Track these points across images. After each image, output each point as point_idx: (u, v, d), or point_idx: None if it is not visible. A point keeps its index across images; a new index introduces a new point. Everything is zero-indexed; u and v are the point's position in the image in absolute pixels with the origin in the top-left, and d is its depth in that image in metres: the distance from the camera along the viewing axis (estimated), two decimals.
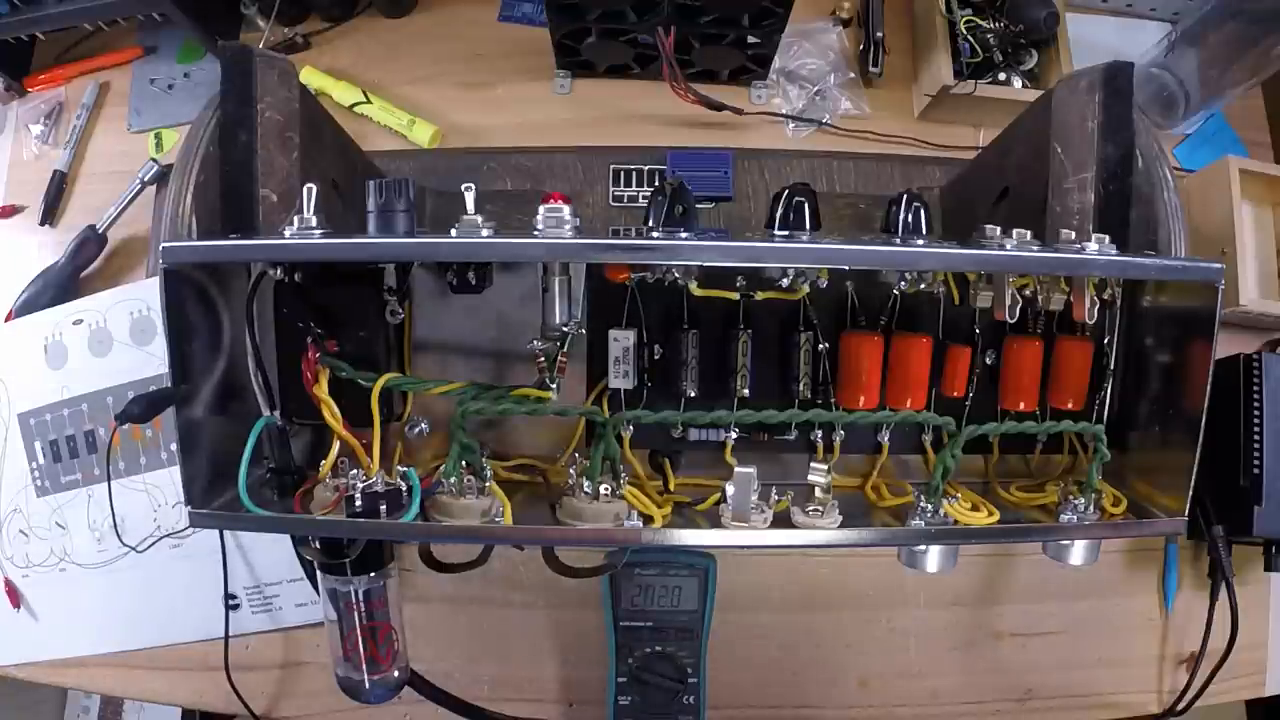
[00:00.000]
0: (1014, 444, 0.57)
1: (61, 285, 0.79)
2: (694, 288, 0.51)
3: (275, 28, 0.84)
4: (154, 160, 0.81)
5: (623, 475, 0.51)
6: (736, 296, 0.53)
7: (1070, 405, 0.54)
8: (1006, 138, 0.63)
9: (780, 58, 0.81)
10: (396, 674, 0.63)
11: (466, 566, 0.60)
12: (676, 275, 0.50)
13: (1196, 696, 0.75)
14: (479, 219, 0.44)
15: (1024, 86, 0.81)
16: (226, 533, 0.73)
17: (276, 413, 0.50)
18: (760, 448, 0.58)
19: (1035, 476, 0.58)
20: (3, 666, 0.77)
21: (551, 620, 0.75)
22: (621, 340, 0.53)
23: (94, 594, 0.75)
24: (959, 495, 0.50)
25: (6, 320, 0.79)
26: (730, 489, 0.47)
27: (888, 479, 0.58)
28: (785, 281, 0.51)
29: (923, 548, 0.53)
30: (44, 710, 1.17)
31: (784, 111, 0.82)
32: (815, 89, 0.83)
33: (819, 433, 0.57)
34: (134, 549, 0.74)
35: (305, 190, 0.44)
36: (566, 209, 0.44)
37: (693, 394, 0.55)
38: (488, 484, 0.49)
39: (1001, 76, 0.81)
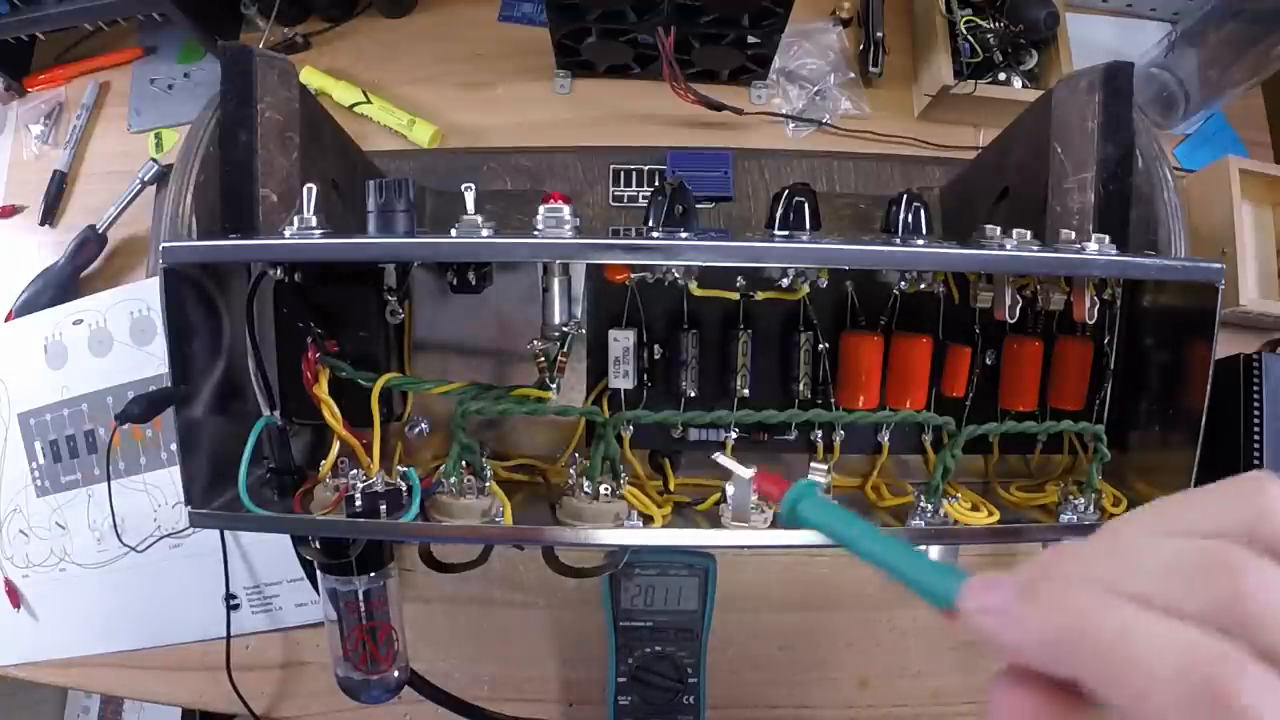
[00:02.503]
0: (1014, 444, 0.57)
1: (61, 285, 0.79)
2: (694, 288, 0.51)
3: (275, 28, 0.84)
4: (154, 160, 0.81)
5: (623, 475, 0.51)
6: (736, 296, 0.53)
7: (1070, 405, 0.54)
8: (1006, 138, 0.63)
9: (780, 58, 0.81)
10: (396, 674, 0.63)
11: (466, 566, 0.60)
12: (676, 275, 0.50)
13: None
14: (479, 219, 0.44)
15: (1024, 86, 0.81)
16: (226, 533, 0.73)
17: (276, 413, 0.50)
18: (760, 448, 0.58)
19: (1035, 476, 0.59)
20: (3, 666, 0.77)
21: (551, 620, 0.75)
22: (621, 340, 0.53)
23: (94, 594, 0.75)
24: (959, 495, 0.51)
25: (6, 320, 0.79)
26: (730, 489, 0.47)
27: (888, 479, 0.58)
28: (785, 281, 0.51)
29: (923, 548, 0.53)
30: (44, 710, 1.18)
31: (784, 111, 0.82)
32: (815, 89, 0.83)
33: (819, 433, 0.57)
34: (134, 549, 0.74)
35: (305, 190, 0.44)
36: (566, 209, 0.44)
37: (693, 394, 0.55)
38: (488, 484, 0.49)
39: (1001, 76, 0.81)
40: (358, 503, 0.46)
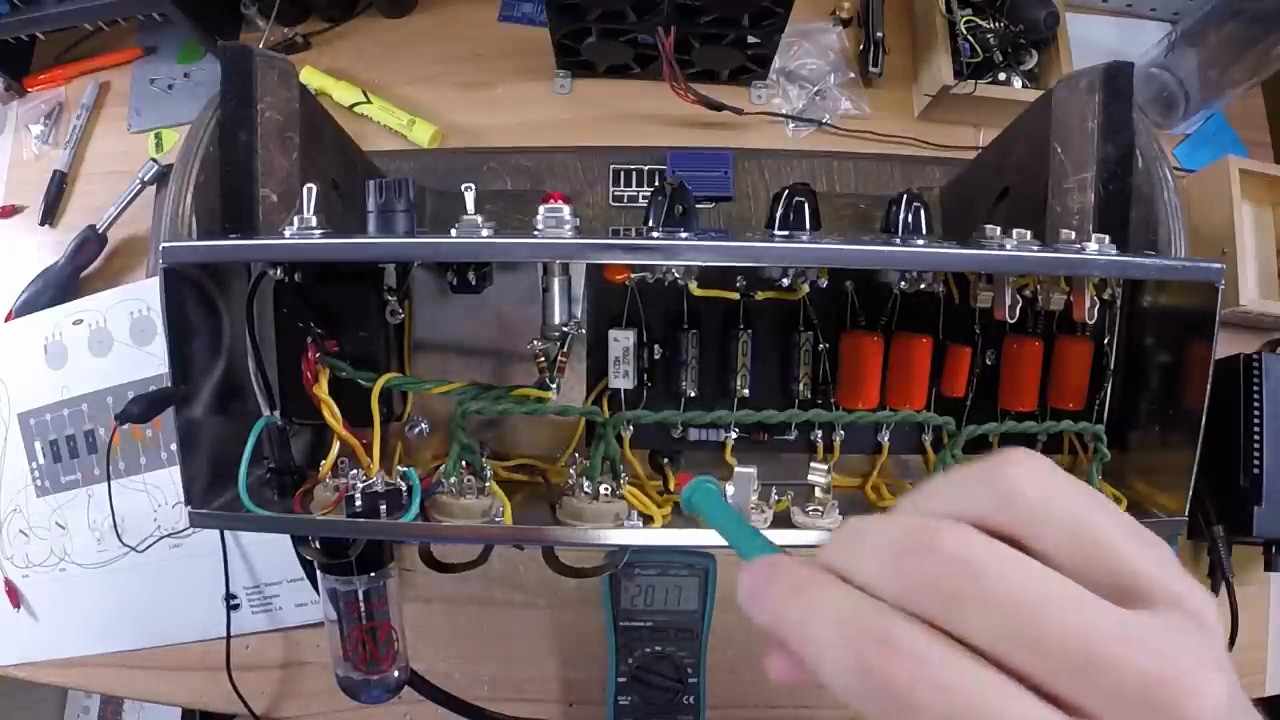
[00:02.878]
0: (1014, 444, 0.57)
1: (61, 285, 0.79)
2: (694, 288, 0.51)
3: (275, 28, 0.84)
4: (154, 160, 0.81)
5: (623, 475, 0.51)
6: (736, 296, 0.53)
7: (1070, 405, 0.54)
8: (1006, 138, 0.63)
9: (780, 58, 0.81)
10: (396, 674, 0.63)
11: (466, 566, 0.60)
12: (676, 275, 0.50)
13: None
14: (479, 219, 0.44)
15: (1024, 86, 0.81)
16: (226, 533, 0.73)
17: (276, 413, 0.50)
18: (760, 448, 0.58)
19: None
20: (3, 666, 0.77)
21: (551, 620, 0.75)
22: (621, 340, 0.53)
23: (94, 594, 0.75)
24: None
25: (6, 320, 0.79)
26: (730, 489, 0.47)
27: (888, 479, 0.58)
28: (785, 281, 0.51)
29: None
30: (44, 710, 1.17)
31: (784, 111, 0.82)
32: (815, 89, 0.83)
33: (819, 433, 0.57)
34: (134, 549, 0.74)
35: (305, 190, 0.44)
36: (566, 209, 0.44)
37: (693, 394, 0.55)
38: (488, 484, 0.49)
39: (1001, 76, 0.81)
40: (358, 503, 0.46)
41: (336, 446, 0.48)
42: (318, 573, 0.62)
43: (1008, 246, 0.46)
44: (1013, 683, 0.18)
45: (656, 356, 0.55)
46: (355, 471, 0.47)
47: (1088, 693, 0.18)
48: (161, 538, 0.74)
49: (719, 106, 0.77)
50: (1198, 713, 0.18)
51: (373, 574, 0.59)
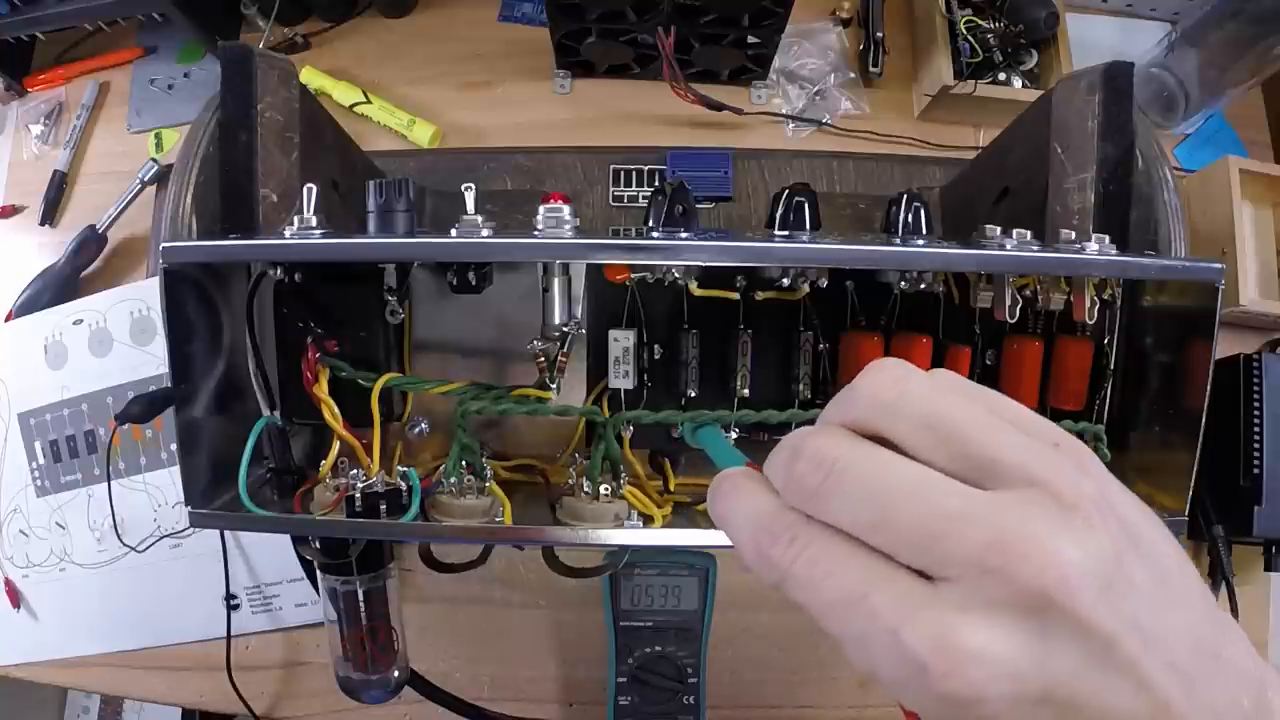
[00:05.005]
0: None
1: (61, 285, 0.79)
2: (694, 288, 0.51)
3: (275, 28, 0.84)
4: (154, 160, 0.81)
5: (623, 475, 0.51)
6: (736, 296, 0.53)
7: (1070, 405, 0.54)
8: (1006, 138, 0.63)
9: (780, 58, 0.81)
10: (396, 674, 0.63)
11: (466, 566, 0.60)
12: (676, 275, 0.50)
13: None
14: (479, 219, 0.44)
15: (1024, 86, 0.81)
16: (226, 533, 0.73)
17: (276, 413, 0.50)
18: (761, 448, 0.58)
19: None
20: (3, 666, 0.77)
21: (551, 620, 0.75)
22: (621, 340, 0.53)
23: (94, 594, 0.75)
24: None
25: (6, 320, 0.79)
26: None
27: None
28: (785, 281, 0.51)
29: None
30: (44, 710, 1.18)
31: (784, 111, 0.82)
32: (815, 89, 0.83)
33: None
34: (134, 549, 0.74)
35: (305, 190, 0.44)
36: (566, 209, 0.44)
37: (693, 394, 0.55)
38: (488, 484, 0.49)
39: (1001, 76, 0.81)
40: (358, 503, 0.46)
41: (336, 446, 0.48)
42: (318, 573, 0.62)
43: (1008, 246, 0.46)
44: (868, 556, 0.21)
45: (656, 356, 0.55)
46: (355, 471, 0.47)
47: (934, 564, 0.21)
48: (161, 538, 0.74)
49: (719, 106, 0.77)
50: (1036, 577, 0.19)
51: (373, 574, 0.59)
